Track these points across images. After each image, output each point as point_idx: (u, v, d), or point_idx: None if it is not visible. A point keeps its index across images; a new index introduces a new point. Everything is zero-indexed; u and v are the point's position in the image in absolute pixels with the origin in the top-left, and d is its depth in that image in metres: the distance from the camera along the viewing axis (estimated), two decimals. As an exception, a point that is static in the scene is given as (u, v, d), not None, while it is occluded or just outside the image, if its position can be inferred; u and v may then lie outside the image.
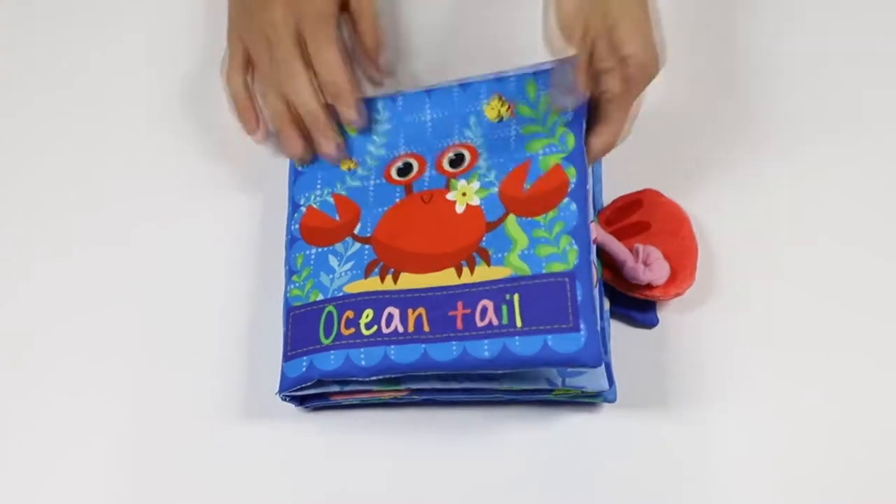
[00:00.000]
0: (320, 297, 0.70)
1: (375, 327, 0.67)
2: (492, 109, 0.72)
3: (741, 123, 0.78)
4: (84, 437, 0.74)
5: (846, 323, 0.71)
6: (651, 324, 0.72)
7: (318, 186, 0.75)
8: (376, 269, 0.69)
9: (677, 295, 0.70)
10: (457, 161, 0.72)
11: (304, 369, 0.68)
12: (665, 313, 0.72)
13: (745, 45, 0.81)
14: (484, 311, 0.65)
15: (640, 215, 0.73)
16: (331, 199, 0.74)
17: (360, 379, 0.67)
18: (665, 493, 0.68)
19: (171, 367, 0.75)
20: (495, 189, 0.69)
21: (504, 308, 0.65)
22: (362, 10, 0.78)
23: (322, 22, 0.74)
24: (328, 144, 0.74)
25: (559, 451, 0.70)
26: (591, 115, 0.69)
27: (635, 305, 0.71)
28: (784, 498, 0.67)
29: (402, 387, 0.68)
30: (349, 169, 0.74)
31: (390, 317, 0.67)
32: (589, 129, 0.69)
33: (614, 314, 0.72)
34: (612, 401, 0.69)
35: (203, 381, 0.74)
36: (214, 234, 0.79)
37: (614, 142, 0.69)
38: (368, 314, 0.67)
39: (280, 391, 0.69)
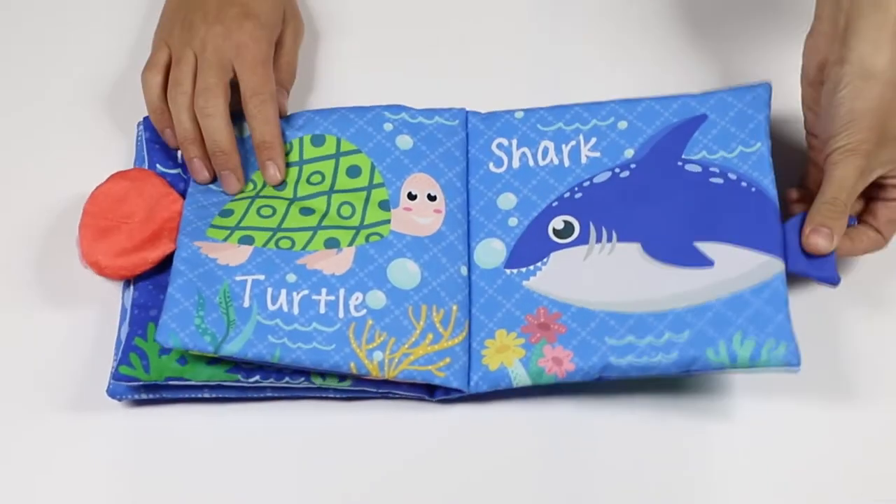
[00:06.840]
0: None
1: None
2: None
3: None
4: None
5: None
6: (832, 281, 0.69)
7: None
8: None
9: None
10: None
11: None
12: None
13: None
14: None
15: None
16: None
17: None
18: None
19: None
20: None
21: None
22: (286, 46, 0.81)
23: (260, 66, 0.76)
24: (235, 185, 0.76)
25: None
26: None
27: (811, 266, 0.69)
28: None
29: None
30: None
31: None
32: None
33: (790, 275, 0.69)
34: (796, 365, 0.66)
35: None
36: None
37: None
38: None
39: None
